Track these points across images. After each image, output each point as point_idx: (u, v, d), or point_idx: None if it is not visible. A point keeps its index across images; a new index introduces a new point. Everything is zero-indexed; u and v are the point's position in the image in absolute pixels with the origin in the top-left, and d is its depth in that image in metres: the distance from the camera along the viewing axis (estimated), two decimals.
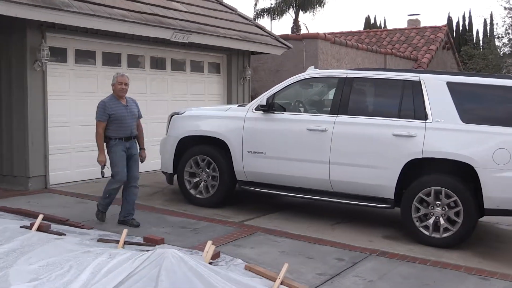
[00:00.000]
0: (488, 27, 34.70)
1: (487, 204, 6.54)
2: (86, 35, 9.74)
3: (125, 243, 5.97)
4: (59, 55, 9.57)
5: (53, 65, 9.38)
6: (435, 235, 6.75)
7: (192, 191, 8.37)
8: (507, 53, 24.59)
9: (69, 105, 9.75)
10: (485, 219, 7.57)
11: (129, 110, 7.05)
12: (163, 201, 8.60)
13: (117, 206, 7.26)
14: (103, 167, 6.95)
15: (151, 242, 6.18)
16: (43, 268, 5.04)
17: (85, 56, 10.08)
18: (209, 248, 5.55)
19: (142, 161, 7.33)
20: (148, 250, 5.38)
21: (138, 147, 7.26)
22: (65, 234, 6.32)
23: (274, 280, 5.08)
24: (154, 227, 7.05)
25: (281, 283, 5.03)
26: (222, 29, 12.08)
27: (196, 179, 8.35)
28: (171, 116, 8.81)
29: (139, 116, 7.27)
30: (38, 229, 6.32)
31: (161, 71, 11.66)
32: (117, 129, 6.94)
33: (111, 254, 5.26)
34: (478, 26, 47.48)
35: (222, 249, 6.05)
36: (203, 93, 12.81)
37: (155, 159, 10.32)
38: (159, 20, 10.38)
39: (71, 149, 9.82)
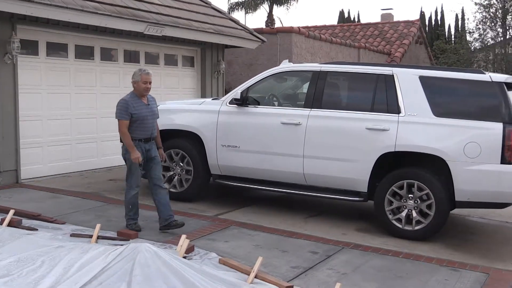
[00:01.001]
0: (459, 22, 35.09)
1: (458, 197, 6.63)
2: (57, 28, 9.61)
3: (99, 237, 5.92)
4: (30, 47, 9.43)
5: (24, 58, 9.24)
6: (407, 227, 6.83)
7: (166, 185, 8.32)
8: (477, 47, 24.88)
9: (41, 98, 9.62)
10: (456, 211, 7.69)
11: (151, 109, 6.60)
12: None
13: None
14: (141, 166, 6.47)
15: (124, 236, 6.15)
16: (15, 264, 4.97)
17: (57, 49, 9.95)
18: (183, 242, 5.54)
19: (162, 160, 6.90)
20: (122, 245, 5.34)
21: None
22: (37, 229, 6.25)
23: (248, 273, 5.10)
24: None
25: (255, 277, 5.04)
26: (196, 23, 12.03)
27: (170, 173, 8.31)
28: None
29: (157, 116, 6.81)
30: (9, 225, 6.23)
31: (135, 65, 11.54)
32: (138, 130, 6.46)
33: (84, 249, 5.21)
34: (450, 21, 48.14)
35: (196, 243, 6.04)
36: (177, 86, 12.74)
37: None
38: (132, 13, 10.29)
39: (43, 143, 9.70)
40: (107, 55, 10.96)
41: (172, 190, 8.26)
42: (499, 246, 6.90)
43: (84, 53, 10.45)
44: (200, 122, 8.08)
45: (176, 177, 8.26)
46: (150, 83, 6.53)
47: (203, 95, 13.13)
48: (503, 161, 6.42)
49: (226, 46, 13.87)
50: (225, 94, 9.28)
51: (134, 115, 6.40)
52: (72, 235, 6.13)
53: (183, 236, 5.65)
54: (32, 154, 9.48)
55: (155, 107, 6.73)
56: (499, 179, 6.45)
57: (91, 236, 5.93)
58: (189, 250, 5.64)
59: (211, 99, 8.97)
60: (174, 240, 6.05)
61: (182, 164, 8.21)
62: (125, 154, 6.52)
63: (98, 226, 6.03)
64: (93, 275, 4.54)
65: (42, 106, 9.65)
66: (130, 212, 6.60)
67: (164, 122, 8.37)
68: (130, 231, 6.33)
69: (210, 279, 4.74)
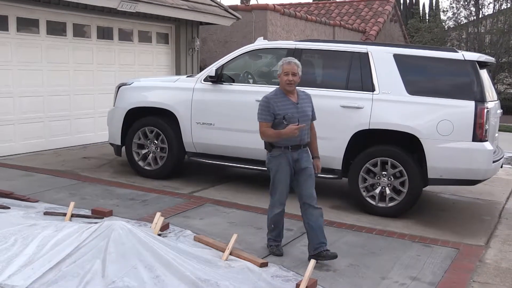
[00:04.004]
0: (434, 1, 35.31)
1: (430, 174, 6.71)
2: (28, 3, 9.42)
3: (73, 215, 5.89)
4: None
5: None
6: (381, 204, 6.91)
7: (140, 163, 8.29)
8: (451, 26, 25.05)
9: (12, 75, 9.44)
10: (429, 188, 7.80)
11: (301, 109, 5.28)
12: (111, 173, 8.49)
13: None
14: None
15: (99, 214, 6.11)
16: None
17: (28, 25, 9.75)
18: (158, 219, 5.54)
19: (316, 173, 5.66)
20: (96, 223, 5.32)
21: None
22: (9, 208, 6.17)
23: (223, 250, 5.12)
24: (102, 199, 6.96)
25: (230, 254, 5.07)
26: None
27: (144, 151, 8.27)
28: (119, 87, 8.65)
29: (313, 118, 5.55)
30: None
31: (108, 41, 11.40)
32: None
33: (58, 227, 5.18)
34: (424, 0, 48.30)
35: (171, 221, 6.04)
36: (151, 63, 12.62)
37: (102, 130, 10.16)
38: None
39: (15, 121, 9.55)
40: (80, 32, 10.78)
41: (147, 167, 8.24)
42: (470, 222, 7.03)
43: (56, 29, 10.26)
44: (174, 99, 8.03)
45: (151, 154, 8.22)
46: (293, 74, 5.19)
47: (178, 73, 13.03)
48: (475, 138, 6.52)
49: (201, 23, 13.75)
50: (200, 72, 9.22)
51: (278, 116, 5.18)
52: (46, 213, 6.08)
53: (158, 214, 5.65)
54: (4, 131, 9.33)
55: (308, 106, 5.41)
56: (471, 156, 6.55)
57: (65, 214, 5.89)
58: (164, 227, 5.64)
59: (185, 76, 8.92)
60: (149, 218, 6.04)
61: (156, 142, 8.16)
62: (269, 164, 5.47)
63: (72, 204, 5.99)
64: (67, 253, 4.52)
65: (13, 82, 9.48)
66: (273, 232, 5.51)
67: (139, 99, 8.33)
68: (104, 208, 6.27)
69: (185, 256, 4.75)
